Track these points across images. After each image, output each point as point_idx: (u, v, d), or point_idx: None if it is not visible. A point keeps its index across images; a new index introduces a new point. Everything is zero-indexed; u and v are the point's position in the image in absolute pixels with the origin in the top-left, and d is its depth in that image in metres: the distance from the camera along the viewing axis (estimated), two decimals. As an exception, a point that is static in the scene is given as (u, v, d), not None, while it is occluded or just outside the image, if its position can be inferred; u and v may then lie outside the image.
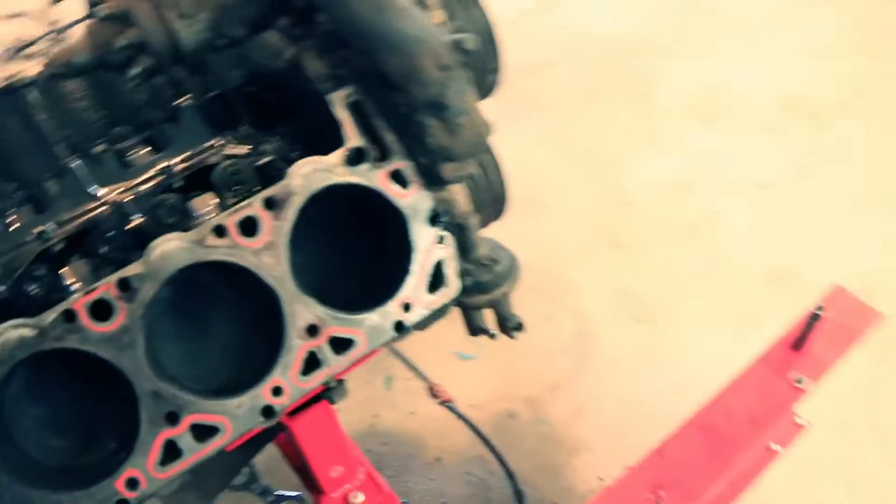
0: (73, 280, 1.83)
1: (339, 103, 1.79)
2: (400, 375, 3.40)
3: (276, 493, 2.94)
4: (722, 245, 3.80)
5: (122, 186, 1.92)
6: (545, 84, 4.45)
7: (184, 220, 1.89)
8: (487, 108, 2.23)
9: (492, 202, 2.27)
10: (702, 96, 4.51)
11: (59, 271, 1.84)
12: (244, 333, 1.82)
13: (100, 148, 2.01)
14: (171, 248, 1.64)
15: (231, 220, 1.69)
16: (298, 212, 1.73)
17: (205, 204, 1.94)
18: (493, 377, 3.37)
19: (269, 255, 1.71)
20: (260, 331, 1.82)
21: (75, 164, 1.93)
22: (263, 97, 2.05)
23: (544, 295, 3.62)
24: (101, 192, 1.91)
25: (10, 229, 1.90)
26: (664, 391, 3.32)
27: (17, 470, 1.62)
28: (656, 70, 4.65)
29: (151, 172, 1.94)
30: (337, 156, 1.77)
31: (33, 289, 1.78)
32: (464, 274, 1.96)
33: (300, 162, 1.74)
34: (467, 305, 2.06)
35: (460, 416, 3.00)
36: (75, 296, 1.61)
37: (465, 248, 1.97)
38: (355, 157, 1.78)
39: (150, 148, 2.03)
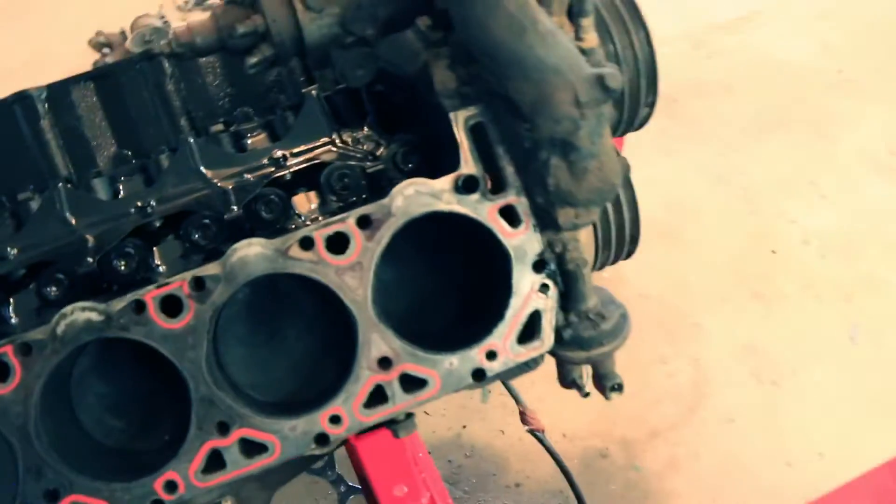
0: (161, 263, 1.74)
1: (460, 123, 1.59)
2: (499, 389, 3.21)
3: (350, 484, 2.83)
4: (874, 316, 3.35)
5: (230, 171, 1.80)
6: (717, 108, 4.05)
7: (281, 218, 1.76)
8: (649, 126, 1.98)
9: (620, 242, 2.03)
10: (889, 146, 4.00)
11: (151, 250, 1.76)
12: (316, 349, 1.68)
13: (218, 127, 1.90)
14: (251, 254, 1.51)
15: (320, 233, 1.53)
16: (393, 235, 1.56)
17: (307, 203, 1.82)
18: (593, 410, 3.12)
19: (353, 276, 1.54)
20: (332, 350, 1.67)
21: (191, 140, 1.84)
22: (391, 97, 1.88)
23: (665, 333, 3.32)
24: (208, 173, 1.80)
25: (118, 197, 1.83)
26: (773, 461, 2.98)
27: (64, 450, 1.54)
28: (844, 111, 4.14)
29: (263, 161, 1.81)
30: (447, 181, 1.58)
31: (122, 265, 1.70)
32: (564, 325, 1.73)
33: (405, 183, 1.56)
34: (563, 358, 1.83)
35: (547, 449, 2.79)
36: (148, 287, 1.50)
37: (571, 297, 1.74)
38: (466, 186, 1.58)
39: (266, 134, 1.91)
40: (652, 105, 1.94)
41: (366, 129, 1.88)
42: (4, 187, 1.88)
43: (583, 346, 1.78)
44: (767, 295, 3.45)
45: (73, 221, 1.76)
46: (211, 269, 1.51)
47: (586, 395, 1.91)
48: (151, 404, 1.67)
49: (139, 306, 1.50)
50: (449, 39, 1.69)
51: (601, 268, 2.13)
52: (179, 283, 1.50)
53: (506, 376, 1.67)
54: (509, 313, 1.62)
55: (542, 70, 1.45)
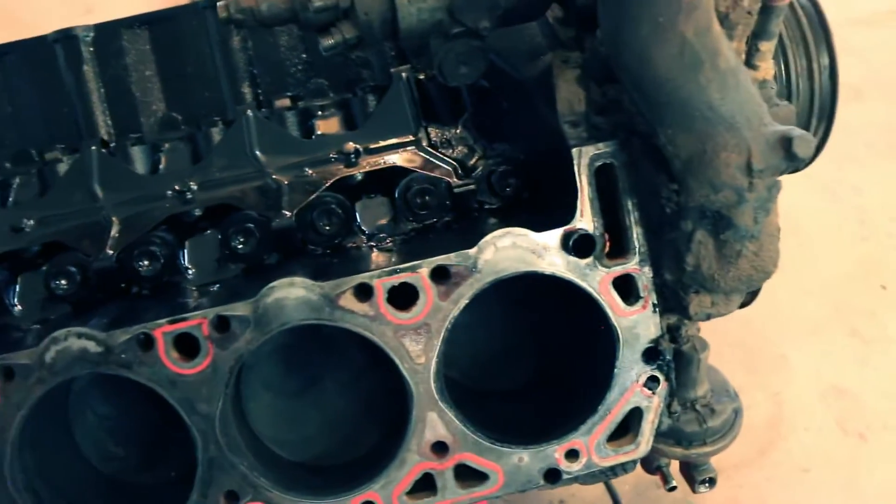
0: (192, 266, 1.36)
1: (583, 162, 1.14)
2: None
3: None
4: (984, 375, 2.82)
5: (290, 160, 1.37)
6: (843, 114, 3.42)
7: (342, 232, 1.34)
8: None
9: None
10: None
11: (183, 247, 1.37)
12: (359, 409, 1.29)
13: (285, 101, 1.48)
14: (291, 298, 1.10)
15: (382, 282, 1.11)
16: (475, 296, 1.14)
17: (377, 214, 1.39)
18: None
19: (416, 340, 1.13)
20: (378, 413, 1.28)
21: (250, 113, 1.42)
22: (497, 99, 1.42)
23: (746, 360, 2.83)
24: (264, 159, 1.38)
25: (159, 172, 1.44)
26: (846, 522, 2.52)
27: (51, 483, 1.21)
28: None
29: (330, 153, 1.38)
30: (555, 236, 1.13)
31: (145, 264, 1.32)
32: (666, 413, 1.31)
33: (500, 232, 1.12)
34: (654, 448, 1.41)
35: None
36: (159, 321, 1.12)
37: (680, 382, 1.30)
38: (579, 246, 1.13)
39: (340, 117, 1.48)
40: (818, 150, 1.45)
41: (460, 128, 1.44)
42: (36, 139, 1.51)
43: (681, 441, 1.36)
44: (868, 334, 2.92)
45: (101, 195, 1.37)
46: (240, 308, 1.11)
47: (672, 488, 1.50)
48: (156, 436, 1.32)
49: (147, 342, 1.11)
50: (585, 44, 1.22)
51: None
52: (199, 321, 1.11)
53: (585, 480, 1.27)
54: (603, 407, 1.19)
55: (712, 121, 0.98)
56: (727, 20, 1.02)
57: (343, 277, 1.11)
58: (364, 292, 1.11)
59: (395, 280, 1.11)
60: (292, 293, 1.10)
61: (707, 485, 1.48)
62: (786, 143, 1.00)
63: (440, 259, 1.11)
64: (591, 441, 1.20)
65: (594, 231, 1.13)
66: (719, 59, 0.96)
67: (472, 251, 1.12)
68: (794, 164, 1.01)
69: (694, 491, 1.50)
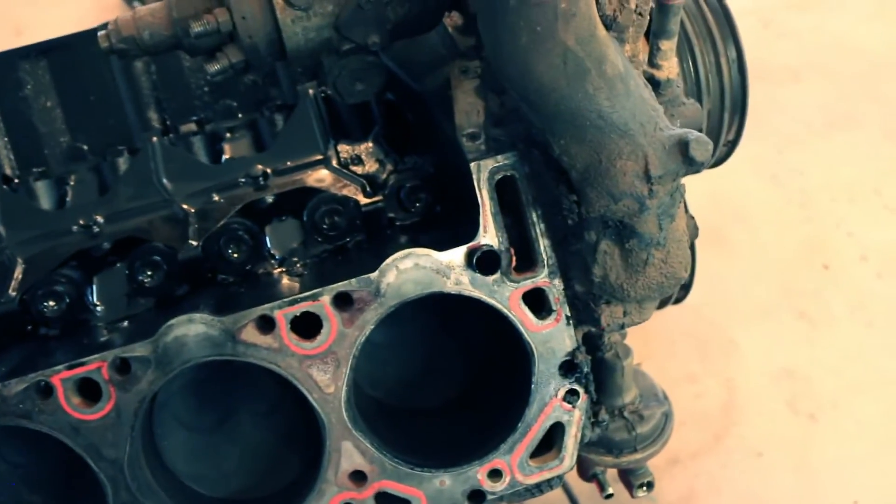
0: (100, 302, 1.30)
1: (483, 177, 1.10)
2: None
3: None
4: (932, 347, 2.83)
5: (197, 187, 1.32)
6: (781, 97, 3.39)
7: (252, 259, 1.29)
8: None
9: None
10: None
11: (91, 283, 1.31)
12: (276, 440, 1.24)
13: (191, 126, 1.42)
14: (191, 336, 1.05)
15: (283, 312, 1.06)
16: (379, 321, 1.09)
17: (287, 238, 1.34)
18: (610, 426, 2.67)
19: (324, 369, 1.09)
20: (296, 443, 1.24)
21: (155, 140, 1.36)
22: (402, 112, 1.38)
23: (697, 348, 2.82)
24: (171, 187, 1.33)
25: (64, 207, 1.38)
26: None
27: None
28: (925, 109, 3.49)
29: (238, 177, 1.33)
30: (458, 254, 1.09)
31: (50, 305, 1.25)
32: (592, 423, 1.27)
33: (401, 254, 1.07)
34: (584, 458, 1.38)
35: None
36: (56, 367, 1.06)
37: (605, 391, 1.27)
38: (483, 263, 1.09)
39: (249, 138, 1.43)
40: (732, 144, 1.43)
41: (370, 142, 1.39)
42: None
43: (612, 449, 1.33)
44: (814, 315, 2.92)
45: (4, 234, 1.31)
46: (139, 349, 1.05)
47: (609, 496, 1.47)
48: (74, 479, 1.27)
49: (46, 389, 1.05)
50: (484, 53, 1.18)
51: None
52: (98, 364, 1.05)
53: (511, 499, 1.23)
54: (523, 424, 1.16)
55: (604, 129, 0.95)
56: (615, 23, 0.98)
57: (245, 310, 1.06)
58: (266, 324, 1.06)
59: (297, 310, 1.06)
60: (192, 329, 1.05)
61: (645, 489, 1.45)
62: (683, 146, 0.97)
63: (341, 286, 1.07)
64: (513, 459, 1.16)
65: (499, 246, 1.09)
66: (606, 66, 0.92)
67: (374, 275, 1.07)
68: (693, 167, 0.98)
69: (633, 496, 1.47)
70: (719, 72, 1.32)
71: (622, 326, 1.13)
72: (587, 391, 1.16)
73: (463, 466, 1.14)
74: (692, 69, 1.31)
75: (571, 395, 1.16)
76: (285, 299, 1.06)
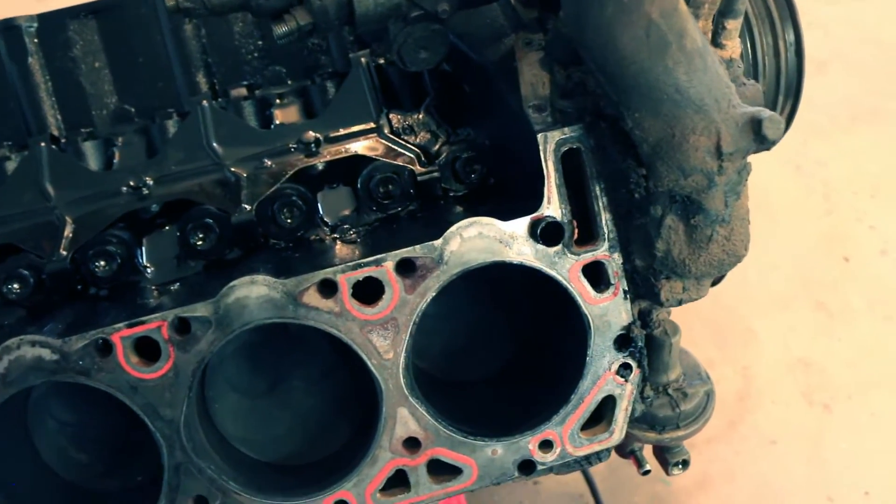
0: (150, 264, 1.30)
1: (550, 148, 1.10)
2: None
3: None
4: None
5: (248, 151, 1.32)
6: (804, 91, 3.43)
7: (304, 224, 1.29)
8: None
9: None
10: None
11: (141, 245, 1.31)
12: (328, 406, 1.24)
13: (241, 91, 1.42)
14: (253, 297, 1.06)
15: (346, 277, 1.07)
16: (442, 287, 1.10)
17: (339, 205, 1.34)
18: (626, 411, 2.69)
19: (384, 335, 1.10)
20: (349, 409, 1.24)
21: (205, 104, 1.36)
22: (459, 82, 1.38)
23: (715, 335, 2.84)
24: (221, 151, 1.33)
25: (112, 168, 1.37)
26: (813, 494, 2.54)
27: (20, 495, 1.16)
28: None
29: (289, 143, 1.33)
30: (522, 224, 1.10)
31: (101, 265, 1.26)
32: (638, 399, 1.28)
33: (466, 222, 1.08)
34: (627, 432, 1.39)
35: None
36: (117, 325, 1.07)
37: (652, 368, 1.28)
38: (547, 234, 1.09)
39: (299, 105, 1.43)
40: (786, 127, 1.43)
41: (422, 113, 1.39)
42: None
43: (655, 426, 1.34)
44: (832, 307, 2.94)
45: (53, 194, 1.31)
46: (200, 309, 1.06)
47: (646, 472, 1.49)
48: (124, 438, 1.27)
49: (105, 347, 1.05)
50: (548, 25, 1.18)
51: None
52: (158, 324, 1.05)
53: (560, 470, 1.24)
54: (576, 396, 1.17)
55: (680, 104, 0.95)
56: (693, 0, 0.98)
57: (306, 273, 1.07)
58: (328, 288, 1.07)
59: (360, 274, 1.07)
60: (254, 291, 1.06)
61: (681, 467, 1.46)
62: (755, 124, 0.97)
63: (405, 252, 1.07)
64: (564, 431, 1.17)
65: (562, 218, 1.10)
66: (686, 40, 0.92)
67: (438, 242, 1.08)
68: (764, 145, 0.98)
69: (668, 473, 1.48)
70: (776, 54, 1.33)
71: (680, 302, 1.14)
72: (640, 365, 1.18)
73: (515, 436, 1.16)
74: (750, 50, 1.32)
75: (625, 369, 1.17)
76: (348, 263, 1.07)
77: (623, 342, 1.16)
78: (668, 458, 1.45)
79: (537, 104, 1.12)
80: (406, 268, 1.08)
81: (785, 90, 1.36)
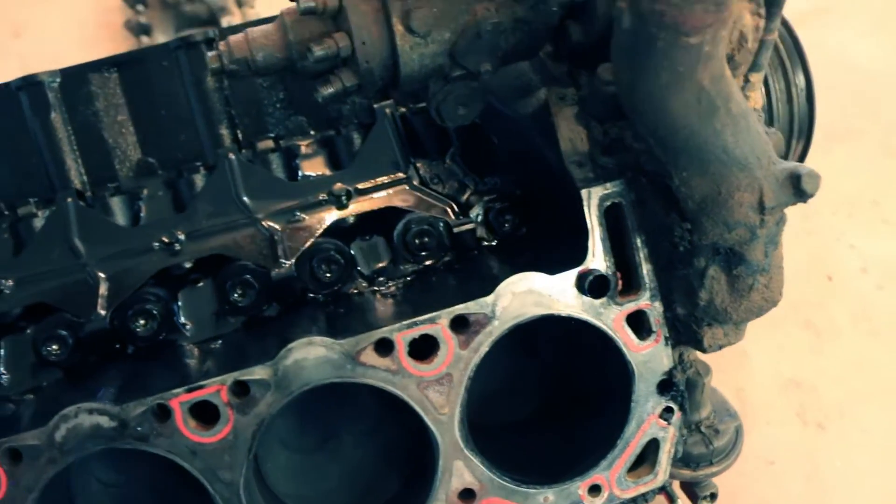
0: (188, 320, 1.33)
1: (593, 204, 1.16)
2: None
3: None
4: (935, 358, 2.98)
5: (280, 205, 1.36)
6: (780, 114, 3.58)
7: (343, 278, 1.34)
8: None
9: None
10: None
11: (175, 300, 1.34)
12: (377, 459, 1.29)
13: (267, 143, 1.46)
14: (311, 359, 1.09)
15: (403, 335, 1.12)
16: (493, 343, 1.15)
17: (374, 257, 1.39)
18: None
19: (439, 390, 1.14)
20: (397, 462, 1.29)
21: (232, 156, 1.39)
22: (486, 134, 1.43)
23: (709, 358, 2.94)
24: (252, 205, 1.36)
25: (140, 222, 1.40)
26: (813, 512, 2.64)
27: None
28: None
29: (320, 195, 1.37)
30: (569, 278, 1.16)
31: (141, 325, 1.28)
32: (681, 442, 1.34)
33: (516, 278, 1.13)
34: (661, 471, 1.46)
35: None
36: (175, 390, 1.09)
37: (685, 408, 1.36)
38: (595, 287, 1.16)
39: (324, 156, 1.47)
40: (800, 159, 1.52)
41: (448, 162, 1.44)
42: (3, 193, 1.44)
43: (689, 463, 1.41)
44: (819, 325, 3.05)
45: (83, 250, 1.33)
46: (258, 372, 1.09)
47: (673, 501, 1.55)
48: (168, 499, 1.29)
49: (163, 412, 1.08)
50: (580, 81, 1.25)
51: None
52: (217, 388, 1.09)
53: (606, 513, 1.30)
54: (622, 441, 1.23)
55: (727, 163, 1.02)
56: (732, 61, 1.06)
57: (357, 330, 1.11)
58: (385, 347, 1.11)
59: (416, 332, 1.11)
60: (311, 353, 1.09)
61: (709, 500, 1.53)
62: (795, 179, 1.05)
63: (459, 308, 1.12)
64: (612, 475, 1.23)
65: (607, 270, 1.16)
66: (732, 104, 1.00)
67: (490, 298, 1.13)
68: (803, 198, 1.06)
69: (696, 505, 1.55)
70: (789, 99, 1.41)
71: (721, 347, 1.21)
72: (682, 408, 1.24)
73: (565, 482, 1.21)
74: (765, 97, 1.40)
75: (667, 412, 1.23)
76: (404, 322, 1.11)
77: (665, 386, 1.22)
78: (698, 492, 1.51)
79: (578, 160, 1.19)
80: (460, 324, 1.13)
81: (797, 133, 1.45)
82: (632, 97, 1.01)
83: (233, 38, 1.15)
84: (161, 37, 3.02)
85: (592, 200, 1.16)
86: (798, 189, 1.05)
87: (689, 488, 1.54)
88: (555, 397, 1.40)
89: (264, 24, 1.17)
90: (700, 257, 1.11)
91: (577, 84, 1.25)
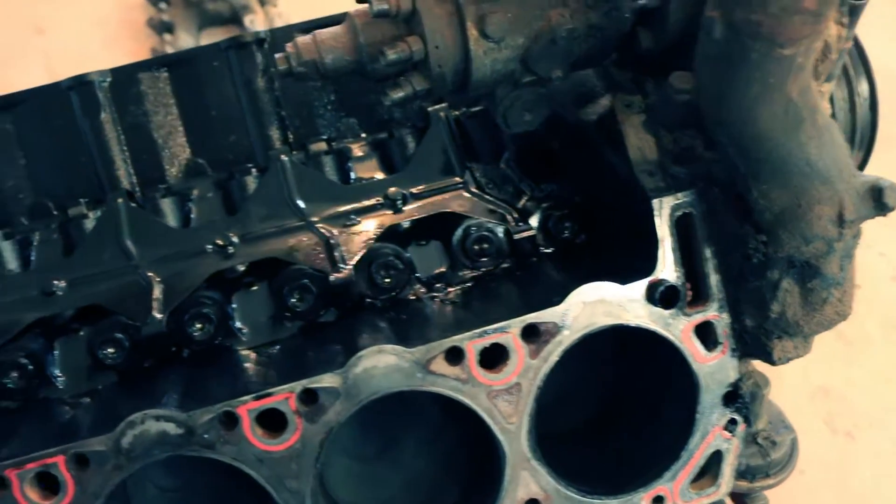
0: (243, 324, 1.33)
1: (664, 214, 1.16)
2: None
3: None
4: (962, 368, 2.99)
5: (334, 209, 1.36)
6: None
7: (402, 283, 1.34)
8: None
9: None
10: None
11: (230, 303, 1.34)
12: (437, 468, 1.29)
13: (320, 145, 1.46)
14: (382, 367, 1.09)
15: (473, 344, 1.12)
16: (564, 352, 1.15)
17: (432, 262, 1.39)
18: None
19: (508, 400, 1.14)
20: (457, 471, 1.29)
21: (285, 158, 1.39)
22: (545, 139, 1.43)
23: (736, 365, 2.94)
24: (305, 206, 1.36)
25: (189, 225, 1.40)
26: (846, 521, 2.65)
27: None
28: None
29: (375, 199, 1.37)
30: (639, 288, 1.16)
31: (198, 329, 1.28)
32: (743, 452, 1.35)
33: (587, 288, 1.13)
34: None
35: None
36: (243, 397, 1.09)
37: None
38: (666, 297, 1.15)
39: (377, 159, 1.47)
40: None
41: (502, 166, 1.44)
42: (53, 193, 1.44)
43: (746, 475, 1.41)
44: (850, 334, 3.06)
45: (135, 252, 1.33)
46: (327, 380, 1.09)
47: (725, 518, 1.56)
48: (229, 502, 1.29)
49: (230, 420, 1.08)
50: (647, 88, 1.25)
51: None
52: (285, 395, 1.09)
53: (667, 525, 1.30)
54: (686, 452, 1.23)
55: (809, 176, 1.02)
56: (815, 72, 1.06)
57: (430, 341, 1.11)
58: (455, 356, 1.11)
59: (487, 341, 1.11)
60: (382, 361, 1.09)
61: (759, 514, 1.53)
62: (876, 193, 1.05)
63: (531, 317, 1.12)
64: (675, 486, 1.23)
65: (677, 281, 1.17)
66: (818, 116, 1.00)
67: (561, 308, 1.13)
68: (883, 212, 1.07)
69: (745, 519, 1.55)
70: (852, 108, 1.41)
71: (789, 360, 1.21)
72: (746, 420, 1.24)
73: (629, 493, 1.21)
74: (829, 106, 1.40)
75: (732, 424, 1.24)
76: (475, 331, 1.11)
77: (730, 398, 1.22)
78: (748, 502, 1.52)
79: (648, 169, 1.18)
80: (531, 333, 1.13)
81: (858, 143, 1.45)
82: (718, 108, 1.00)
83: (301, 40, 1.15)
84: (183, 34, 3.02)
85: (664, 210, 1.16)
86: (879, 202, 1.05)
87: (740, 499, 1.55)
88: (611, 406, 1.40)
89: (331, 27, 1.17)
90: (774, 269, 1.11)
91: (643, 91, 1.25)
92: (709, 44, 0.96)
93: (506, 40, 1.12)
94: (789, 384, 2.98)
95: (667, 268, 1.16)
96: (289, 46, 1.16)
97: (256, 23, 2.95)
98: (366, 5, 1.12)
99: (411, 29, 1.12)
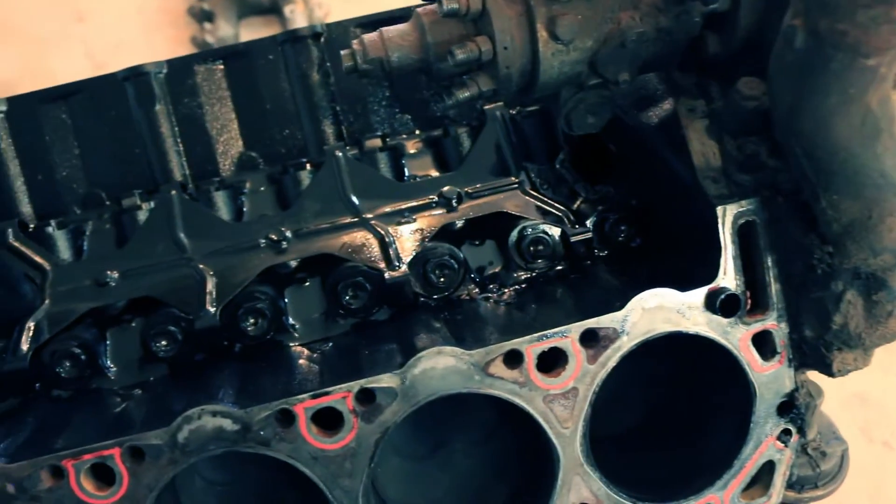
0: (295, 320, 1.34)
1: (728, 221, 1.16)
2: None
3: None
4: None
5: (389, 206, 1.36)
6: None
7: (456, 281, 1.34)
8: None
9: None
10: None
11: (283, 299, 1.34)
12: (487, 469, 1.29)
13: (375, 141, 1.46)
14: (440, 368, 1.10)
15: (533, 348, 1.12)
16: (621, 358, 1.15)
17: (486, 263, 1.38)
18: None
19: (564, 404, 1.14)
20: (507, 474, 1.29)
21: (339, 154, 1.40)
22: (604, 142, 1.42)
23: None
24: (359, 203, 1.37)
25: (244, 217, 1.40)
26: (881, 534, 2.63)
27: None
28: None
29: (429, 198, 1.37)
30: (699, 295, 1.15)
31: (251, 325, 1.29)
32: (795, 463, 1.34)
33: (647, 294, 1.13)
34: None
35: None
36: (301, 395, 1.10)
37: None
38: (726, 306, 1.15)
39: (431, 156, 1.47)
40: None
41: (557, 167, 1.44)
42: (105, 183, 1.45)
43: (794, 485, 1.40)
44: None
45: (188, 244, 1.34)
46: (385, 380, 1.09)
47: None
48: (276, 497, 1.30)
49: (286, 417, 1.09)
50: (711, 93, 1.24)
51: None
52: (343, 395, 1.09)
53: (718, 534, 1.30)
54: (739, 461, 1.22)
55: (882, 187, 1.01)
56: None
57: (489, 343, 1.11)
58: (514, 359, 1.11)
59: (546, 346, 1.11)
60: (440, 362, 1.10)
61: (802, 527, 1.53)
62: (951, 204, 1.04)
63: (590, 322, 1.12)
64: (726, 495, 1.23)
65: (738, 290, 1.16)
66: (895, 127, 0.99)
67: (621, 313, 1.13)
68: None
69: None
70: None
71: (848, 372, 1.20)
72: (800, 431, 1.24)
73: (679, 500, 1.21)
74: None
75: (785, 434, 1.23)
76: (534, 335, 1.11)
77: (785, 408, 1.22)
78: (791, 517, 1.51)
79: (712, 175, 1.18)
80: (589, 338, 1.13)
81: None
82: (791, 117, 0.99)
83: (367, 38, 1.15)
84: (223, 23, 3.03)
85: (727, 218, 1.15)
86: (954, 213, 1.04)
87: (787, 510, 1.54)
88: (661, 411, 1.40)
89: (398, 24, 1.17)
90: (838, 280, 1.10)
91: (706, 96, 1.24)
92: (787, 52, 0.95)
93: (575, 42, 1.12)
94: (826, 389, 2.96)
95: (728, 276, 1.16)
96: (355, 43, 1.16)
97: (296, 13, 2.96)
98: (434, 5, 1.12)
99: (479, 29, 1.12)
